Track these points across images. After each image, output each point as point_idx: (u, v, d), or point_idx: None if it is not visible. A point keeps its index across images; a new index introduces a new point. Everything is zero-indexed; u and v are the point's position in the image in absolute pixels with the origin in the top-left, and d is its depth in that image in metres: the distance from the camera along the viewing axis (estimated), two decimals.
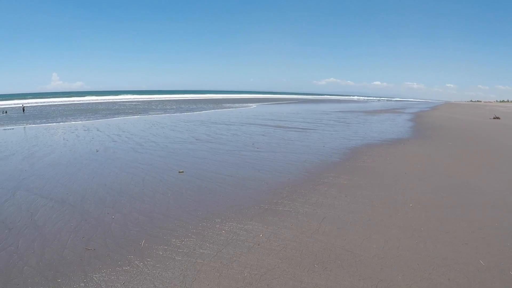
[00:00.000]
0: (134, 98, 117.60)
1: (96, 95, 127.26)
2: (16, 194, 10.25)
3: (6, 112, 52.86)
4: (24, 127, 29.92)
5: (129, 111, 53.03)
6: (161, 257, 6.49)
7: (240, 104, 79.98)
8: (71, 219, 8.31)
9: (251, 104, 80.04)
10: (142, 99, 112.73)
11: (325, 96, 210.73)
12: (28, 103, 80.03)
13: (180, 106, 70.15)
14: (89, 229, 7.75)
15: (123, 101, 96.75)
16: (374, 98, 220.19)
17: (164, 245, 6.98)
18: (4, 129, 28.27)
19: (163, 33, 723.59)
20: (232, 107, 67.29)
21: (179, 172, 12.83)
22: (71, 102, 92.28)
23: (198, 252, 6.64)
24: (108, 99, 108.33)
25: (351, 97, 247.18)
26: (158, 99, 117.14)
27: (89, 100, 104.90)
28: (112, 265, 6.17)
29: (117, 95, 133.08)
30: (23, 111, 52.84)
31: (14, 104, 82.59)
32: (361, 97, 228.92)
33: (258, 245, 6.93)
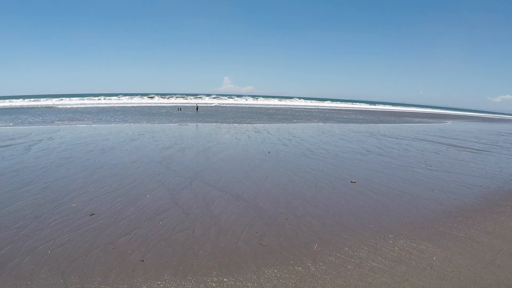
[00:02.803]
0: (303, 105, 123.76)
1: (264, 98, 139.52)
2: (193, 184, 12.32)
3: (180, 109, 63.65)
4: (197, 125, 35.36)
5: (298, 116, 56.55)
6: (333, 263, 6.97)
7: (433, 120, 75.31)
8: (245, 214, 9.57)
9: (446, 121, 75.02)
10: (312, 106, 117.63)
11: (501, 116, 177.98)
12: (201, 103, 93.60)
13: (356, 116, 70.88)
14: (263, 226, 8.77)
15: (293, 107, 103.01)
16: None
17: (336, 252, 7.49)
18: (180, 125, 34.26)
19: (334, 43, 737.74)
20: (417, 123, 64.02)
21: (351, 182, 13.46)
22: (241, 105, 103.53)
23: (370, 265, 6.96)
24: (277, 104, 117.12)
25: None
26: (328, 107, 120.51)
27: (258, 104, 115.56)
28: (285, 264, 6.88)
29: (286, 99, 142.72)
30: (197, 110, 62.21)
31: (187, 103, 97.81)
32: None
33: (431, 267, 6.98)
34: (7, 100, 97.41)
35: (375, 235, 8.52)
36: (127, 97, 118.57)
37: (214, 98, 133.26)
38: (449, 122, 68.95)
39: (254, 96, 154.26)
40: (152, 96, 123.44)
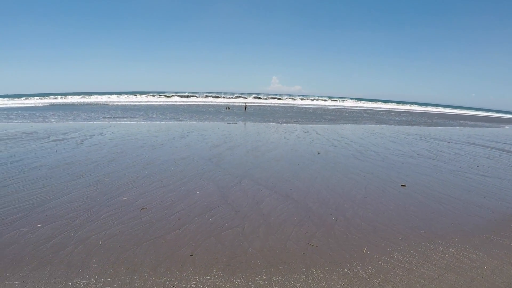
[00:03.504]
0: (354, 106, 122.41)
1: (313, 98, 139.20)
2: (242, 182, 12.57)
3: (228, 108, 64.93)
4: (245, 123, 35.92)
5: (348, 117, 56.20)
6: (382, 268, 6.95)
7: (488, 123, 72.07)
8: (294, 214, 9.68)
9: (504, 125, 71.51)
10: (362, 107, 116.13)
11: None
12: (249, 102, 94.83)
13: (407, 118, 69.43)
14: (312, 226, 8.84)
15: (342, 108, 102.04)
16: None
17: (386, 256, 7.46)
18: (228, 123, 35.04)
19: (385, 45, 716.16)
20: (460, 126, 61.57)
21: (402, 185, 13.27)
22: (289, 105, 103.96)
23: (419, 271, 6.88)
24: (327, 104, 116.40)
25: None
26: (379, 108, 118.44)
27: (307, 104, 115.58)
28: (333, 265, 6.92)
29: (337, 99, 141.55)
30: (245, 109, 63.11)
31: (236, 102, 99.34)
32: None
33: (482, 277, 6.82)
34: (59, 97, 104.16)
35: (425, 241, 8.40)
36: (178, 95, 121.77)
37: (262, 98, 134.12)
38: (507, 127, 65.85)
39: (304, 96, 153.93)
40: (203, 95, 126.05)
